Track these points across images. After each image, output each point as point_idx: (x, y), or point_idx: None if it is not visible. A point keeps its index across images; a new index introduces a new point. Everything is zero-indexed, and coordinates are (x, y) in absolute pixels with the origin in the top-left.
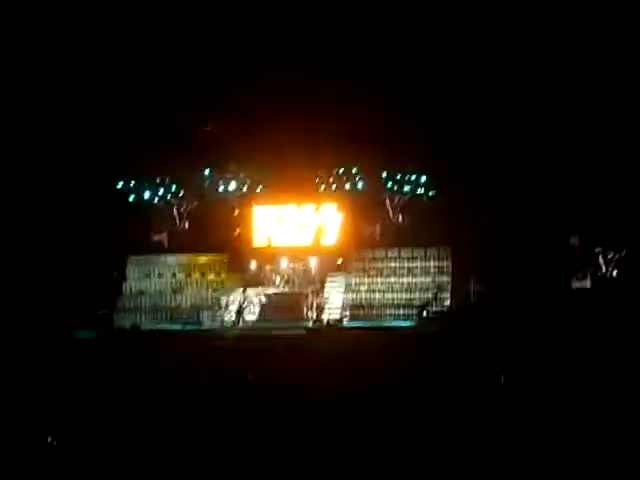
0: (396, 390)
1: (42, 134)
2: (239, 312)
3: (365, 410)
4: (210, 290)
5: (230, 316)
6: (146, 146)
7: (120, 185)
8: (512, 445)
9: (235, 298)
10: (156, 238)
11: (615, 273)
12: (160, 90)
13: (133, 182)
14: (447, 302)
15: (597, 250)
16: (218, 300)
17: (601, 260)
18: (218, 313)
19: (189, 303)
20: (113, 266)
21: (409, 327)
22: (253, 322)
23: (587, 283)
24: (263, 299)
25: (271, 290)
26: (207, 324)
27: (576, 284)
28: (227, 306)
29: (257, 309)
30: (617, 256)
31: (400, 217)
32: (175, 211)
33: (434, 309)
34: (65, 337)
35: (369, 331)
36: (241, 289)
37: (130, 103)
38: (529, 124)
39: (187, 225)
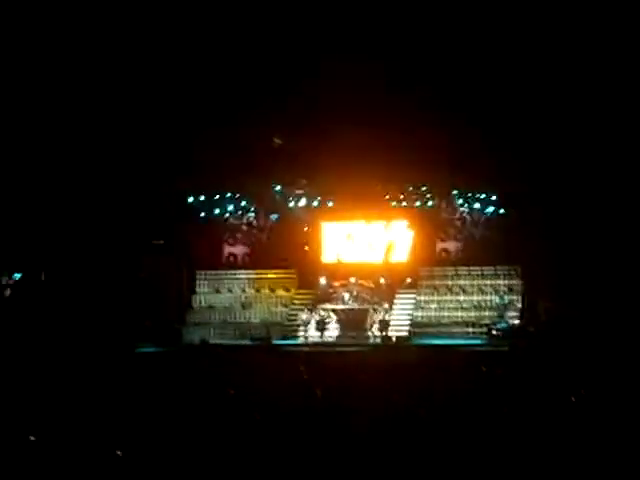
0: (464, 409)
1: (112, 150)
2: (320, 328)
3: (434, 427)
4: (279, 306)
5: (301, 332)
6: (216, 161)
7: (190, 200)
8: (585, 466)
9: (304, 314)
10: (226, 253)
11: None
12: (230, 105)
13: (203, 197)
14: (517, 321)
15: None
16: (287, 316)
17: None
18: (287, 329)
19: (258, 318)
20: (183, 281)
21: (478, 345)
22: (324, 338)
23: None
24: (332, 315)
25: (340, 307)
26: (276, 340)
27: None
28: (296, 322)
29: (328, 325)
30: None
31: (470, 235)
32: (245, 227)
33: (504, 327)
34: (134, 352)
35: (437, 349)
36: (310, 305)
37: (200, 118)
38: (600, 142)
39: (257, 241)
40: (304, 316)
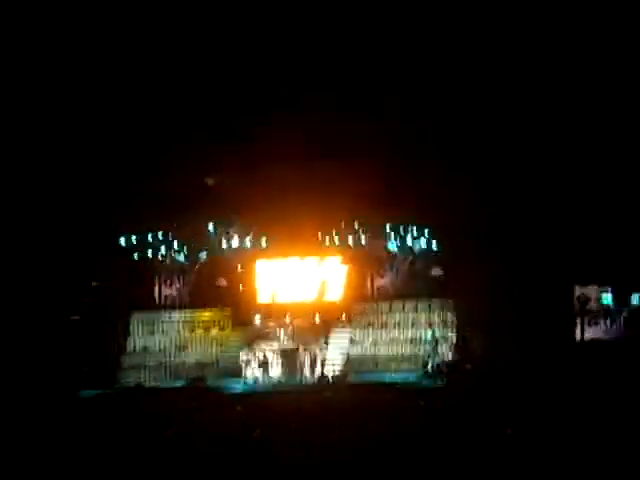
0: (400, 446)
1: (43, 191)
2: (257, 367)
3: (369, 467)
4: (215, 346)
5: (236, 371)
6: (148, 202)
7: (122, 241)
8: None
9: (240, 354)
10: (160, 294)
11: (625, 323)
12: (161, 145)
13: (135, 238)
14: (451, 355)
15: (607, 300)
16: (223, 356)
17: (612, 310)
18: (224, 369)
19: (193, 359)
20: (117, 323)
21: (414, 382)
22: (262, 377)
23: (597, 333)
24: (268, 355)
25: (275, 346)
26: (211, 381)
27: (586, 335)
28: (231, 362)
29: (264, 365)
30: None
31: (404, 269)
32: (179, 267)
33: (439, 362)
34: (68, 396)
35: (373, 387)
36: (246, 345)
37: (131, 158)
38: (534, 174)
39: (191, 281)
40: (240, 356)
